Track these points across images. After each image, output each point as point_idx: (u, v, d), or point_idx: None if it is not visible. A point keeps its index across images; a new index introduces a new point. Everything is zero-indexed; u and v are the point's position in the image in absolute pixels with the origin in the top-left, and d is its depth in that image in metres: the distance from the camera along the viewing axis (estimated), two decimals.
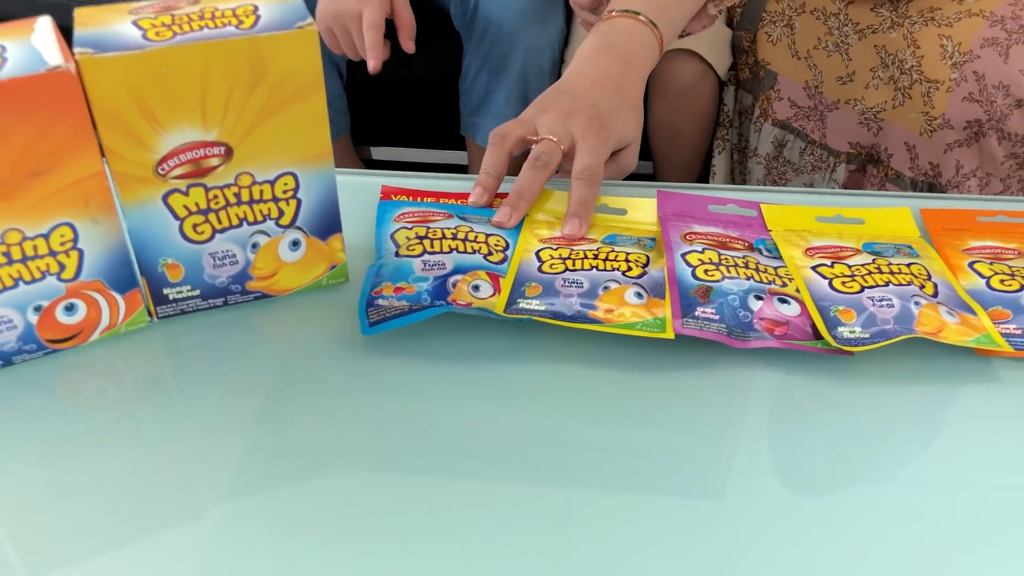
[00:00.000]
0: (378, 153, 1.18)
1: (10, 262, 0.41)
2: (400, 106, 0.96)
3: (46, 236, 0.42)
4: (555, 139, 0.55)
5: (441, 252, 0.49)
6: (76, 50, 0.39)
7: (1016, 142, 0.82)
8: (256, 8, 0.43)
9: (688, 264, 0.49)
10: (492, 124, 0.94)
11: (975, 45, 0.80)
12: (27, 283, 0.42)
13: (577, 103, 0.56)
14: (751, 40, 0.93)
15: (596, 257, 0.50)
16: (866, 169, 0.92)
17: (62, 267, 0.43)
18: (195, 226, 0.45)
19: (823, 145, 0.93)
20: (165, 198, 0.44)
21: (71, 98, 0.39)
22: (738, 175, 1.04)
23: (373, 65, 0.82)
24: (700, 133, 0.99)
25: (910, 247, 0.53)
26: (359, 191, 0.56)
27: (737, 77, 0.98)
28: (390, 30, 0.87)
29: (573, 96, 0.57)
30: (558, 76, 0.91)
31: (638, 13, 0.61)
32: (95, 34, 0.41)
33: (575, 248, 0.51)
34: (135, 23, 0.42)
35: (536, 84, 0.92)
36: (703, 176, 1.06)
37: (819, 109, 0.92)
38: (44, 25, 0.42)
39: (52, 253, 0.42)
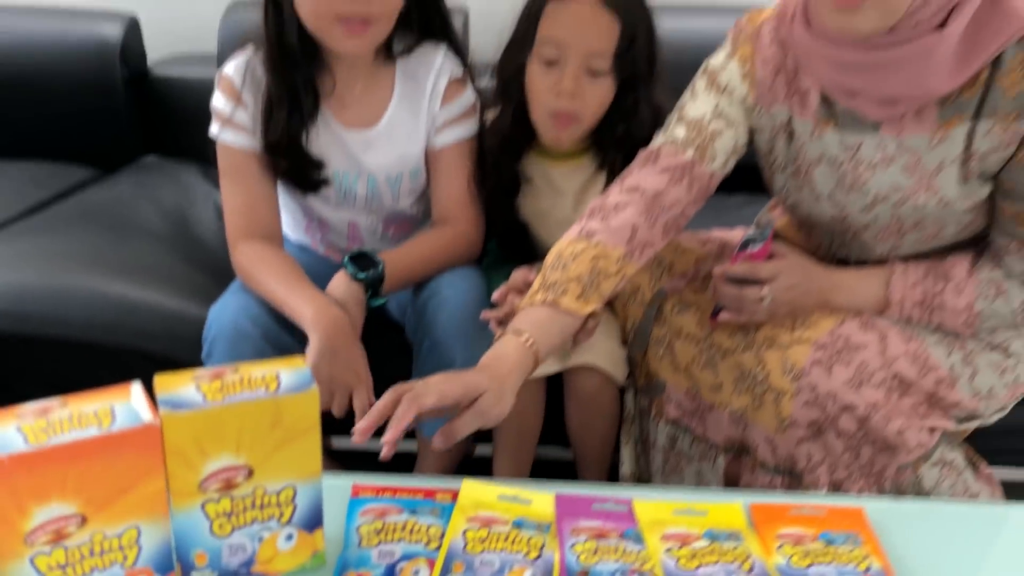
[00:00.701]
0: (338, 442, 1.37)
1: (92, 555, 0.59)
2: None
3: (119, 535, 0.60)
4: (426, 384, 0.80)
5: (392, 540, 0.68)
6: (161, 409, 0.60)
7: (848, 437, 1.05)
8: (278, 375, 0.65)
9: (573, 552, 0.69)
10: (435, 421, 1.15)
11: (806, 364, 1.05)
12: (101, 571, 0.60)
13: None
14: (643, 356, 1.19)
15: (507, 539, 0.69)
16: (741, 458, 1.14)
17: (126, 558, 0.61)
18: (220, 525, 0.64)
19: (705, 439, 1.15)
20: (203, 505, 0.63)
21: (155, 442, 0.59)
22: (642, 463, 1.25)
23: (359, 440, 0.97)
24: (608, 430, 1.21)
25: (739, 533, 0.73)
26: (334, 489, 0.75)
27: (635, 384, 1.23)
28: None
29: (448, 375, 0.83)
30: None
31: (521, 331, 0.90)
32: (171, 397, 0.62)
33: (491, 529, 0.70)
34: (197, 388, 0.63)
35: None
36: (614, 462, 1.27)
37: (700, 410, 1.15)
38: (137, 389, 0.63)
39: (121, 548, 0.60)
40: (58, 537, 0.58)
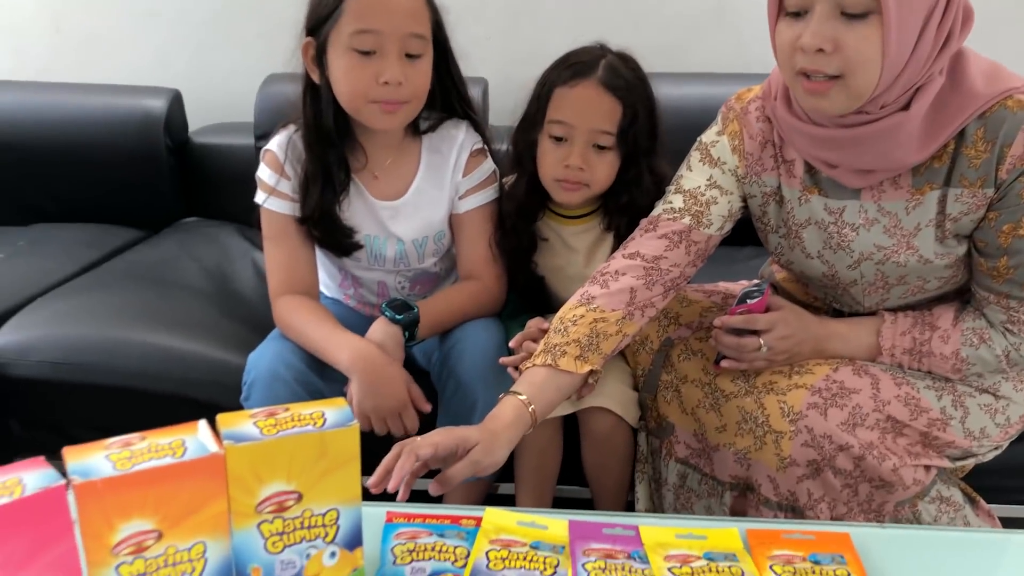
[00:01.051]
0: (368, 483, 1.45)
1: (166, 566, 0.68)
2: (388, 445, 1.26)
3: (188, 549, 0.69)
4: (423, 440, 0.90)
5: (423, 559, 0.77)
6: (225, 442, 0.70)
7: (846, 475, 1.12)
8: (324, 413, 0.75)
9: (585, 569, 0.77)
10: None
11: (803, 407, 1.12)
12: None
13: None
14: (652, 400, 1.27)
15: (524, 559, 0.77)
16: (746, 495, 1.21)
17: (194, 569, 0.70)
18: (273, 543, 0.73)
19: (713, 477, 1.23)
20: (258, 526, 0.72)
21: (219, 470, 0.69)
22: (656, 500, 1.32)
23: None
24: (622, 468, 1.29)
25: (735, 555, 0.81)
26: (370, 516, 0.84)
27: (647, 426, 1.31)
28: None
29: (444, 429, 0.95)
30: None
31: (518, 393, 1.00)
32: (232, 431, 0.71)
33: (511, 550, 0.78)
34: (255, 424, 0.72)
35: None
36: (630, 500, 1.34)
37: (706, 450, 1.23)
38: (203, 425, 0.72)
39: (190, 560, 0.69)
40: (139, 549, 0.67)
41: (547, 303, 1.36)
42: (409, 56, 1.18)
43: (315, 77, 1.22)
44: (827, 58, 0.96)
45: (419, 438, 0.90)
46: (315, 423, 0.73)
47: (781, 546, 0.83)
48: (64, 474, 0.65)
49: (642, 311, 1.13)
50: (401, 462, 0.87)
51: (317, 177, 1.25)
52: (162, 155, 1.96)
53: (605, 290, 1.12)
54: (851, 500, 1.13)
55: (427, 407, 1.19)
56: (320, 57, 1.20)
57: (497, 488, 1.40)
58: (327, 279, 1.42)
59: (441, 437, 0.92)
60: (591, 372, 1.08)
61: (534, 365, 1.06)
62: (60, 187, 1.98)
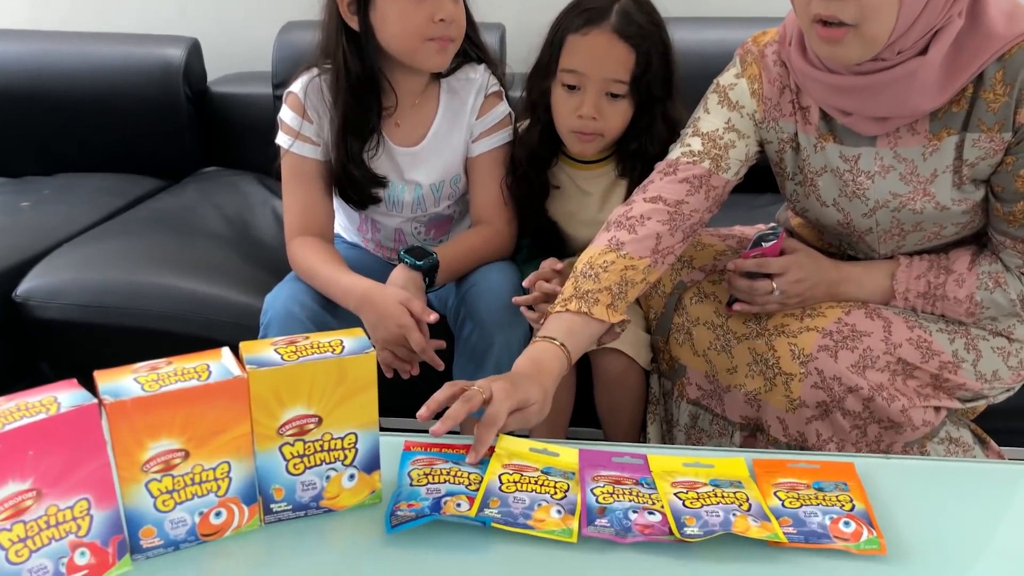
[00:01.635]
0: (386, 423, 1.49)
1: (193, 483, 0.72)
2: (406, 385, 1.29)
3: (214, 468, 0.72)
4: (479, 388, 0.88)
5: (438, 482, 0.80)
6: (248, 366, 0.72)
7: (855, 416, 1.14)
8: (342, 341, 0.77)
9: (593, 494, 0.80)
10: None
11: (814, 350, 1.14)
12: (199, 497, 0.72)
13: (507, 378, 0.91)
14: (665, 342, 1.29)
15: (536, 482, 0.80)
16: (756, 435, 1.23)
17: (219, 488, 0.73)
18: (295, 465, 0.76)
19: (724, 417, 1.25)
20: (280, 448, 0.75)
21: (242, 393, 0.72)
22: (667, 440, 1.35)
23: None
24: (634, 409, 1.32)
25: (740, 482, 0.83)
26: (389, 445, 0.87)
27: (659, 368, 1.33)
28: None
29: (509, 377, 0.92)
30: None
31: (555, 339, 0.99)
32: (254, 357, 0.74)
33: (524, 474, 0.81)
34: (276, 350, 0.75)
35: (507, 371, 1.26)
36: (642, 441, 1.37)
37: (717, 392, 1.24)
38: (227, 352, 0.75)
39: (215, 479, 0.73)
40: (167, 467, 0.70)
41: (560, 247, 1.37)
42: None
43: (353, 24, 1.22)
44: (843, 4, 0.95)
45: (474, 388, 0.89)
46: (334, 350, 0.75)
47: (786, 474, 0.85)
48: (96, 395, 0.68)
49: (664, 258, 1.13)
50: (453, 411, 0.85)
51: (348, 126, 1.26)
52: (182, 104, 1.98)
53: (633, 235, 1.11)
54: (860, 441, 1.15)
55: (440, 365, 1.20)
56: (361, 3, 1.20)
57: (514, 431, 1.43)
58: (347, 222, 1.44)
59: (502, 395, 0.88)
60: (621, 321, 1.08)
61: (567, 310, 1.05)
62: (82, 137, 2.01)
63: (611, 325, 1.05)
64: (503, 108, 1.34)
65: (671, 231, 1.13)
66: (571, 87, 1.23)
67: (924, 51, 1.00)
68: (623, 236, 1.11)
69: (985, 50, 1.00)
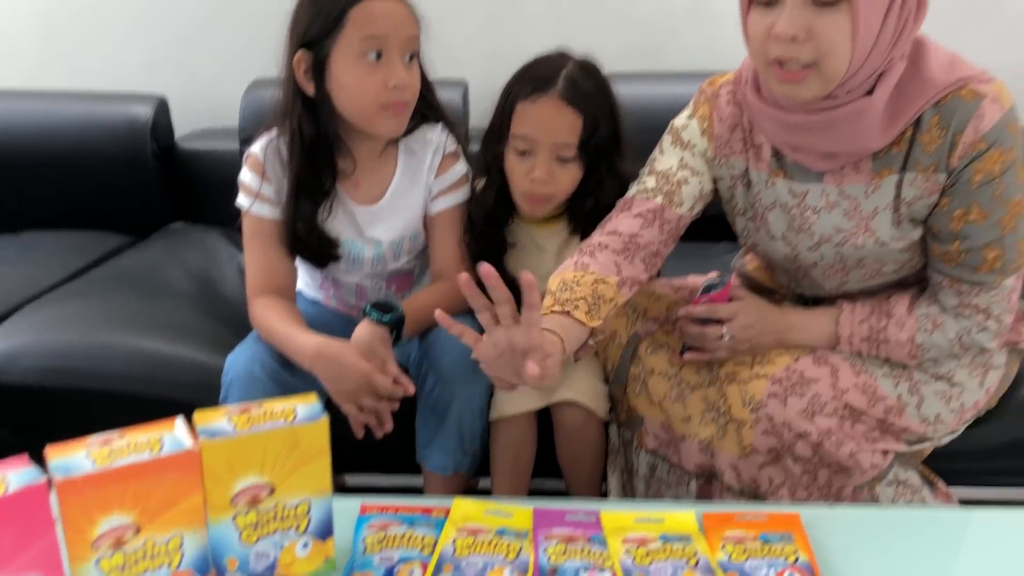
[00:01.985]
0: (352, 480, 1.50)
1: (145, 558, 0.72)
2: (369, 444, 1.30)
3: (166, 542, 0.73)
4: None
5: (392, 549, 0.81)
6: (200, 438, 0.74)
7: (805, 461, 1.16)
8: (295, 408, 0.79)
9: (546, 553, 0.81)
10: (438, 455, 1.28)
11: (764, 397, 1.17)
12: (152, 572, 0.73)
13: None
14: (622, 392, 1.32)
15: (490, 545, 0.82)
16: (711, 483, 1.26)
17: (172, 561, 0.74)
18: (248, 535, 0.77)
19: (680, 467, 1.27)
20: (234, 518, 0.76)
21: (195, 465, 0.73)
22: (628, 490, 1.37)
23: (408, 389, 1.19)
24: (594, 461, 1.33)
25: (689, 536, 0.85)
26: (345, 510, 0.88)
27: (618, 418, 1.35)
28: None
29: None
30: (486, 421, 1.28)
31: (550, 329, 1.01)
32: (208, 427, 0.75)
33: (477, 537, 0.83)
34: (229, 420, 0.77)
35: (469, 426, 1.28)
36: (603, 491, 1.39)
37: (673, 441, 1.27)
38: (180, 422, 0.77)
39: (167, 553, 0.73)
40: (118, 543, 0.71)
41: (519, 302, 1.39)
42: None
43: (309, 90, 1.25)
44: (800, 46, 1.00)
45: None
46: (286, 418, 0.77)
47: (734, 527, 0.87)
48: (46, 471, 0.69)
49: (630, 286, 1.16)
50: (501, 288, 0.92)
51: (303, 188, 1.28)
52: (149, 161, 1.99)
53: (594, 259, 1.15)
54: (811, 485, 1.17)
55: (412, 388, 1.22)
56: (317, 70, 1.23)
57: (477, 483, 1.44)
58: (308, 279, 1.46)
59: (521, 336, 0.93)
60: (593, 332, 1.09)
61: (551, 312, 1.07)
62: (48, 194, 2.01)
63: (587, 338, 1.07)
64: (460, 167, 1.37)
65: (628, 260, 1.17)
66: (523, 152, 1.27)
67: (870, 92, 1.05)
68: (586, 260, 1.15)
69: (923, 95, 1.05)
